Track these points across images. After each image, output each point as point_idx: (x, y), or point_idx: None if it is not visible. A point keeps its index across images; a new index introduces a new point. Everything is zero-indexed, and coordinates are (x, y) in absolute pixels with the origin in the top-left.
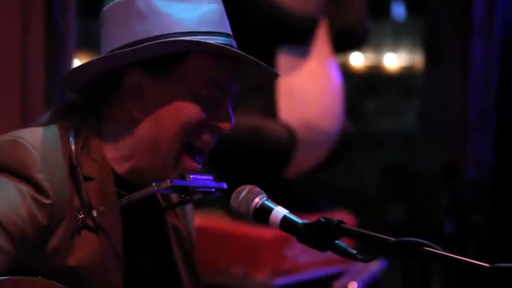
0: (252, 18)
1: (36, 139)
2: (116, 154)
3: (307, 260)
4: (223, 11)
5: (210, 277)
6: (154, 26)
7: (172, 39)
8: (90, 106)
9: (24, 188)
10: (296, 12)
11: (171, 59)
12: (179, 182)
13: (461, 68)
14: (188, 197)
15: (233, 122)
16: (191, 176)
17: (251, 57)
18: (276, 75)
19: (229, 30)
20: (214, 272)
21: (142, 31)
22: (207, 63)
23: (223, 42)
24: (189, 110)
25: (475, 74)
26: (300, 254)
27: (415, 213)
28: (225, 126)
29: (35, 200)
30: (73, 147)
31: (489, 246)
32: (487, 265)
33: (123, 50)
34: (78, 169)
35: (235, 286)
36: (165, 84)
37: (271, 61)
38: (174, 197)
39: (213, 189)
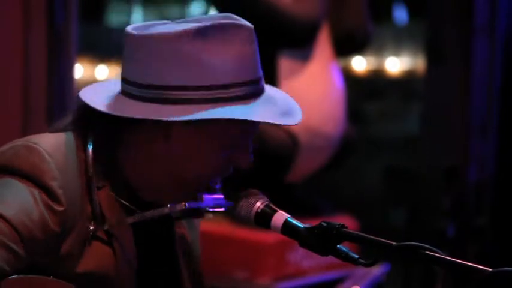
0: (253, 22)
1: (52, 145)
2: (132, 175)
3: (309, 264)
4: (255, 51)
5: (213, 281)
6: (190, 76)
7: (201, 111)
8: (112, 120)
9: (37, 192)
10: (297, 16)
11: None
12: (193, 205)
13: (464, 70)
14: (200, 217)
15: (252, 162)
16: (203, 196)
17: (276, 123)
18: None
19: (258, 73)
20: (217, 276)
21: (178, 77)
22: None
23: (249, 92)
24: (213, 161)
25: (477, 76)
26: (303, 258)
27: (418, 216)
28: (243, 167)
29: (47, 205)
30: (90, 157)
31: (492, 249)
32: (489, 269)
33: (158, 107)
34: (94, 179)
35: None
36: (194, 132)
37: (272, 65)
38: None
39: (223, 209)
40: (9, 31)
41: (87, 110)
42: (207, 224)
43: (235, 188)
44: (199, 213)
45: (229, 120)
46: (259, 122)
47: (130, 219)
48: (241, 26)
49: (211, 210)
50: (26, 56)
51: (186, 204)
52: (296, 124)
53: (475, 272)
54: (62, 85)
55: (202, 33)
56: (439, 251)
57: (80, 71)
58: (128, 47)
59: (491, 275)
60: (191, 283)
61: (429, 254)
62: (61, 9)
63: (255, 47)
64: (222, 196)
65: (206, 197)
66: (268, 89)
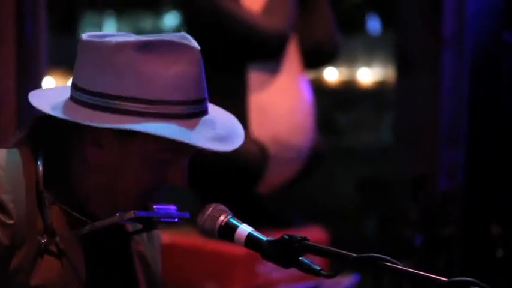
0: (222, 35)
1: (4, 160)
2: (78, 187)
3: (279, 275)
4: (198, 74)
5: None
6: (124, 86)
7: (129, 124)
8: (59, 134)
9: None
10: (266, 29)
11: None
12: (142, 213)
13: (432, 81)
14: (153, 228)
15: (187, 181)
16: (154, 206)
17: (205, 147)
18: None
19: (201, 94)
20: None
21: (112, 85)
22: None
23: (188, 112)
24: (142, 174)
25: (446, 86)
26: (273, 270)
27: (388, 226)
28: (178, 185)
29: None
30: (40, 172)
31: (459, 260)
32: (445, 279)
33: (81, 121)
34: (44, 194)
35: None
36: (123, 142)
37: (241, 78)
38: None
39: (176, 219)
40: None
41: (38, 123)
42: (177, 237)
43: (206, 201)
44: (151, 224)
45: (156, 137)
46: (190, 144)
47: (82, 231)
48: (189, 47)
49: (163, 220)
50: None
51: (136, 212)
52: (227, 151)
53: (432, 282)
54: None
55: (144, 46)
56: (397, 262)
57: (52, 83)
58: (78, 51)
59: (446, 285)
60: None
61: (387, 265)
62: (31, 24)
63: (201, 69)
64: (174, 207)
65: (157, 207)
66: (214, 111)
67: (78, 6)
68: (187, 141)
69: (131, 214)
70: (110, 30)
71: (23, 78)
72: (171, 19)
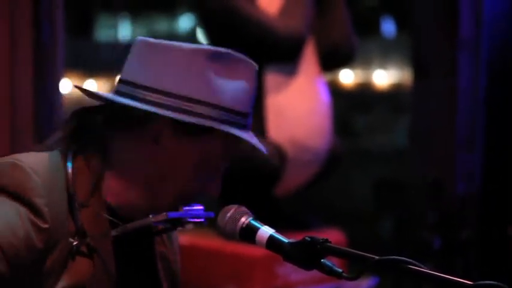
0: (239, 37)
1: (37, 163)
2: (113, 186)
3: (299, 277)
4: (254, 89)
5: None
6: (197, 89)
7: (209, 121)
8: (98, 133)
9: (23, 210)
10: (283, 31)
11: (201, 127)
12: (174, 215)
13: (449, 84)
14: (180, 227)
15: (220, 191)
16: (184, 207)
17: (263, 148)
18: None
19: (250, 109)
20: None
21: (186, 88)
22: (227, 140)
23: (244, 123)
24: (189, 178)
25: (462, 89)
26: (292, 271)
27: (404, 228)
28: (213, 194)
29: (32, 223)
30: (70, 174)
31: (476, 263)
32: (470, 283)
33: (161, 111)
34: (75, 196)
35: None
36: (184, 145)
37: (258, 79)
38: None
39: (203, 219)
40: None
41: (75, 122)
42: (197, 238)
43: (223, 204)
44: (179, 224)
45: (223, 141)
46: (234, 154)
47: (113, 232)
48: (249, 62)
49: (191, 220)
50: (13, 73)
51: (168, 214)
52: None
53: (457, 286)
54: (49, 102)
55: (215, 55)
56: (421, 265)
57: (68, 86)
58: (142, 52)
59: None
60: None
61: (411, 268)
62: (47, 26)
63: (255, 85)
64: (201, 207)
65: (186, 207)
66: None
67: (92, 8)
68: (256, 144)
69: (163, 216)
70: (124, 33)
71: (40, 79)
72: (185, 21)
